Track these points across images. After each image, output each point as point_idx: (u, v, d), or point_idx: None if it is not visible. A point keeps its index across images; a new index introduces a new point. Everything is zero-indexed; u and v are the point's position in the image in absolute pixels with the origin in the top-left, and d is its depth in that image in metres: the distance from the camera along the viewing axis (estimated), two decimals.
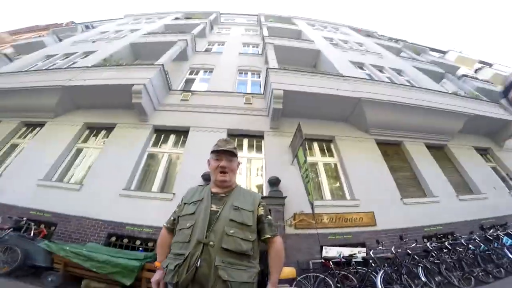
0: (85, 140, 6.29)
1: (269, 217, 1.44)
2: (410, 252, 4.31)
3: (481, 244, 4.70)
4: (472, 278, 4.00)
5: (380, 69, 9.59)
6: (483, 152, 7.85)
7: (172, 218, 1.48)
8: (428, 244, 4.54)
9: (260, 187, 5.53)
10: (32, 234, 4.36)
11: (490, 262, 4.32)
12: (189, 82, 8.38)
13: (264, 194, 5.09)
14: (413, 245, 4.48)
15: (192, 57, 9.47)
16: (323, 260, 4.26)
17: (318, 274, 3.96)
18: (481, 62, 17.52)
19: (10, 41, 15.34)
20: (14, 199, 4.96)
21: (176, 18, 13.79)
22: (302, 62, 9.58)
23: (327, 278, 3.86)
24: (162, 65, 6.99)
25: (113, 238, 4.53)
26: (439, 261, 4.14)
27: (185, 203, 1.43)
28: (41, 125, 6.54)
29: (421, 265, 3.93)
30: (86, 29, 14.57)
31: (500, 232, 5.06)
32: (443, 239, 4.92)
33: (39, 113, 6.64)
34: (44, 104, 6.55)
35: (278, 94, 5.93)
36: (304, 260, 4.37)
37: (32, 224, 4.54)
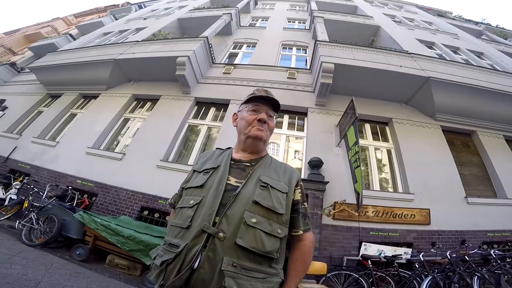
0: (132, 111, 6.61)
1: (306, 204, 1.02)
2: (467, 258, 3.52)
3: None
4: None
5: (455, 50, 8.14)
6: None
7: (178, 192, 1.10)
8: (491, 251, 3.67)
9: (299, 169, 5.10)
10: (75, 204, 4.63)
11: None
12: (232, 56, 8.18)
13: (303, 177, 4.63)
14: (474, 251, 3.67)
15: (236, 32, 9.19)
16: (360, 258, 3.75)
17: (351, 273, 3.49)
18: None
19: (75, 23, 17.05)
20: (65, 167, 5.41)
21: None
22: (356, 40, 8.43)
23: (360, 278, 3.38)
24: (206, 37, 6.86)
25: (145, 212, 4.57)
26: (500, 271, 3.37)
27: (195, 171, 1.03)
28: (96, 96, 7.08)
29: (478, 274, 3.24)
30: (139, 8, 15.26)
31: None
32: (509, 247, 4.18)
33: (94, 86, 7.19)
34: (99, 77, 7.02)
35: (328, 67, 5.30)
36: (338, 255, 3.95)
37: (77, 193, 4.86)
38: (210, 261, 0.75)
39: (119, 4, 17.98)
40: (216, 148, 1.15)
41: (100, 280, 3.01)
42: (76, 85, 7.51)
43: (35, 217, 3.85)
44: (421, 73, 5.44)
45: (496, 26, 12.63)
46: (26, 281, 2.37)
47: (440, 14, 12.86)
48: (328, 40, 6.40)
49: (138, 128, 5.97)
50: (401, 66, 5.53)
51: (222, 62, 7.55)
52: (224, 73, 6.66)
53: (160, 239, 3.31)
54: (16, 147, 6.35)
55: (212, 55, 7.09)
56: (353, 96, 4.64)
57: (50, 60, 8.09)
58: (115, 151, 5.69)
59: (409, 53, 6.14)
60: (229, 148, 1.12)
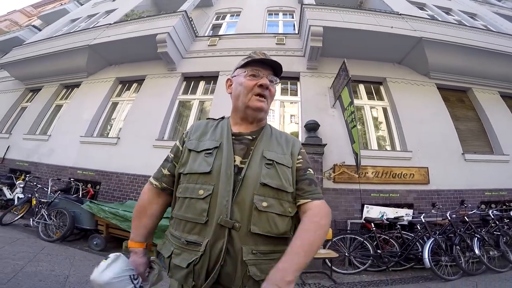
0: (119, 94, 6.36)
1: (310, 170, 0.91)
2: (467, 219, 3.56)
3: None
4: None
5: (447, 11, 7.95)
6: None
7: (165, 172, 0.94)
8: (490, 211, 3.75)
9: (295, 134, 5.08)
10: (80, 195, 4.59)
11: None
12: (216, 27, 7.76)
13: (300, 140, 4.64)
14: (473, 211, 3.73)
15: (217, 2, 8.60)
16: (363, 221, 3.81)
17: (356, 237, 3.56)
18: None
19: (36, 14, 15.69)
20: (63, 159, 5.33)
21: None
22: (344, 3, 8.17)
23: (365, 242, 3.48)
24: (185, 11, 6.45)
25: None
26: (499, 232, 3.47)
27: (190, 150, 0.88)
28: (78, 85, 6.73)
29: (478, 235, 3.34)
30: None
31: None
32: (508, 207, 4.21)
33: (74, 75, 6.81)
34: (76, 65, 6.63)
35: (316, 31, 5.11)
36: (342, 219, 3.98)
37: (80, 184, 4.84)
38: (230, 254, 0.73)
39: None
40: (208, 119, 1.01)
41: None
42: (54, 76, 7.10)
43: (46, 213, 3.87)
44: (413, 33, 5.34)
45: None
46: (55, 277, 2.47)
47: None
48: (314, 3, 6.12)
49: (127, 109, 5.80)
50: (392, 27, 5.38)
51: (206, 34, 7.17)
52: (209, 45, 6.37)
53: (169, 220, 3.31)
54: (9, 146, 6.23)
55: (194, 29, 6.73)
56: (345, 58, 4.55)
57: (18, 55, 7.57)
58: (109, 136, 5.56)
59: (400, 14, 5.95)
60: (223, 118, 1.00)
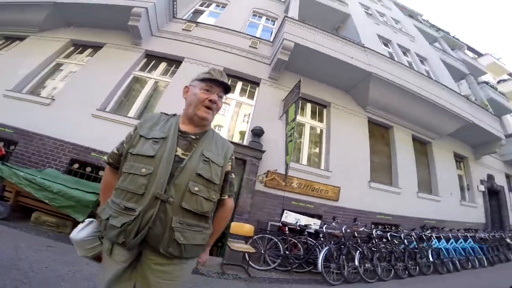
0: (68, 56, 5.89)
1: (233, 174, 1.22)
2: (356, 234, 4.23)
3: (414, 241, 4.79)
4: (392, 271, 4.13)
5: (405, 51, 8.86)
6: (459, 159, 8.26)
7: (117, 152, 1.13)
8: (373, 231, 4.49)
9: (242, 134, 5.35)
10: None
11: (413, 260, 4.49)
12: (197, 13, 7.62)
13: (245, 143, 4.88)
14: (362, 228, 4.47)
15: None
16: (280, 224, 4.25)
17: (272, 237, 3.96)
18: (510, 74, 16.21)
19: None
20: None
21: None
22: (324, 24, 8.40)
23: (279, 243, 3.89)
24: None
25: (76, 165, 4.28)
26: (375, 249, 4.16)
27: (141, 136, 1.07)
28: (23, 38, 6.04)
29: (360, 249, 3.95)
30: None
31: (434, 234, 5.29)
32: (388, 229, 5.09)
33: (21, 28, 6.08)
34: (29, 19, 5.93)
35: (288, 45, 5.38)
36: (264, 220, 4.39)
37: None
38: (161, 220, 0.95)
39: None
40: (161, 113, 1.19)
41: (27, 239, 2.86)
42: None
43: None
44: (367, 67, 5.88)
45: (453, 36, 13.68)
46: None
47: (411, 14, 13.36)
48: (296, 18, 6.31)
49: (73, 72, 5.43)
50: (352, 57, 5.86)
51: (184, 18, 7.02)
52: (183, 29, 6.23)
53: (94, 195, 3.21)
54: None
55: (175, 9, 6.54)
56: (301, 77, 4.92)
57: None
58: (41, 95, 5.09)
59: (364, 47, 6.44)
60: (174, 115, 1.19)
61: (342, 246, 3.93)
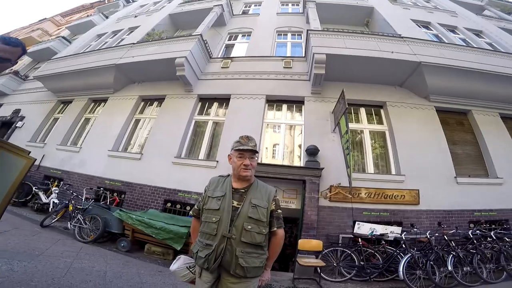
0: (141, 111, 7.07)
1: (279, 210, 1.59)
2: (446, 238, 3.97)
3: None
4: (505, 273, 3.73)
5: (453, 29, 8.10)
6: None
7: (197, 208, 1.64)
8: (470, 232, 4.10)
9: (299, 156, 5.54)
10: (108, 202, 5.27)
11: None
12: (229, 47, 8.33)
13: (301, 165, 5.13)
14: (453, 231, 4.13)
15: (230, 21, 9.21)
16: (352, 236, 4.26)
17: (345, 249, 4.05)
18: None
19: (64, 23, 16.85)
20: (92, 170, 6.03)
21: None
22: (351, 22, 8.48)
23: (353, 254, 3.96)
24: (200, 35, 7.01)
25: (168, 204, 5.24)
26: (475, 251, 3.85)
27: (209, 196, 1.56)
28: (105, 100, 7.48)
29: (453, 253, 3.74)
30: (127, 3, 15.00)
31: None
32: (492, 227, 4.50)
33: (101, 90, 7.59)
34: (104, 82, 7.38)
35: (319, 58, 5.48)
36: (334, 234, 4.40)
37: (108, 193, 5.52)
38: (229, 251, 1.39)
39: (105, 0, 17.57)
40: (219, 176, 1.67)
41: (145, 266, 3.68)
42: (84, 91, 7.90)
43: (82, 218, 4.52)
44: (413, 58, 5.55)
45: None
46: (97, 272, 3.05)
47: None
48: (319, 29, 6.46)
49: (150, 127, 6.47)
50: (392, 52, 5.63)
51: (219, 55, 7.75)
52: (222, 67, 6.92)
53: (186, 228, 3.96)
54: (44, 155, 6.95)
55: (209, 51, 7.28)
56: (344, 86, 4.92)
57: (52, 68, 8.40)
58: (132, 151, 6.24)
59: (402, 37, 6.19)
60: (228, 175, 1.65)
61: (429, 252, 3.83)
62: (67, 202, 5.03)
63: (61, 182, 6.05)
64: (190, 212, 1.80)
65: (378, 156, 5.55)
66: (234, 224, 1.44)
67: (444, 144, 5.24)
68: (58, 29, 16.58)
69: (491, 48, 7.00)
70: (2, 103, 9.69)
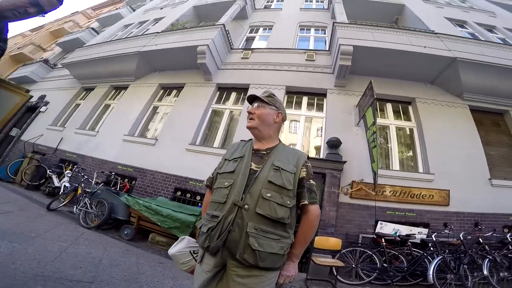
0: (160, 99, 7.09)
1: (312, 181, 1.22)
2: (481, 241, 3.64)
3: None
4: None
5: (490, 28, 7.61)
6: None
7: (211, 176, 1.37)
8: (508, 235, 3.78)
9: (318, 149, 5.32)
10: (118, 188, 5.10)
11: None
12: (249, 40, 8.24)
13: (322, 157, 4.85)
14: (489, 233, 3.78)
15: (252, 15, 9.12)
16: (374, 236, 3.94)
17: (365, 250, 3.74)
18: None
19: (94, 16, 17.62)
20: (106, 154, 6.03)
21: None
22: (379, 19, 8.11)
23: (374, 256, 3.65)
24: (223, 25, 6.98)
25: (179, 193, 5.06)
26: None
27: (226, 159, 1.31)
28: (125, 87, 7.61)
29: (490, 257, 3.38)
30: None
31: None
32: None
33: (123, 78, 7.71)
34: (127, 69, 7.50)
35: (346, 50, 5.27)
36: (354, 233, 4.13)
37: (119, 178, 5.34)
38: (239, 226, 1.05)
39: None
40: (241, 140, 1.42)
41: (145, 256, 3.47)
42: (106, 78, 8.09)
43: (89, 202, 4.33)
44: (447, 53, 5.26)
45: None
46: (92, 258, 2.87)
47: None
48: (347, 22, 6.23)
49: (167, 115, 6.44)
50: (425, 47, 5.34)
51: (240, 47, 7.66)
52: (242, 58, 6.83)
53: (194, 217, 3.73)
54: (62, 138, 7.11)
55: (230, 41, 7.24)
56: (371, 78, 4.66)
57: (80, 56, 8.67)
58: (148, 137, 6.23)
59: (435, 33, 5.86)
60: (250, 139, 1.39)
61: (462, 255, 3.49)
62: (76, 185, 4.89)
63: (75, 166, 6.03)
64: (204, 182, 1.47)
65: (405, 153, 5.24)
66: (249, 190, 1.10)
67: (478, 144, 4.88)
68: (88, 22, 17.34)
69: None
70: (30, 89, 10.08)
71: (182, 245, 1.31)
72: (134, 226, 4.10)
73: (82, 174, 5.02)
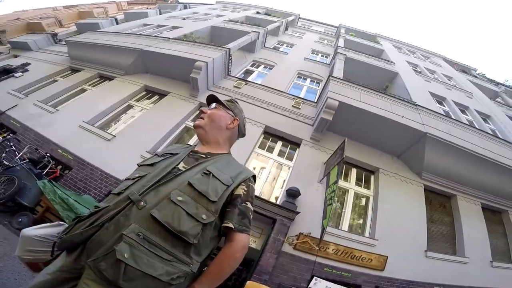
0: (138, 100, 6.86)
1: (249, 205, 0.97)
2: None
3: None
4: None
5: (464, 109, 8.25)
6: None
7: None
8: None
9: (276, 197, 5.15)
10: (45, 173, 4.38)
11: None
12: (247, 73, 8.49)
13: (278, 203, 4.71)
14: None
15: (259, 51, 9.58)
16: None
17: None
18: None
19: (125, 10, 18.36)
20: (54, 134, 5.41)
21: (257, 13, 14.24)
22: (372, 83, 8.60)
23: None
24: (229, 49, 7.20)
25: None
26: None
27: (156, 154, 1.09)
28: (111, 79, 7.41)
29: None
30: (184, 8, 16.26)
31: None
32: None
33: (113, 69, 7.53)
34: (120, 62, 7.38)
35: (332, 104, 5.40)
36: (287, 285, 4.01)
37: (53, 163, 4.65)
38: (118, 224, 0.76)
39: (168, 0, 19.28)
40: (187, 144, 1.22)
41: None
42: (98, 65, 7.88)
43: None
44: (421, 127, 5.47)
45: None
46: None
47: (464, 70, 12.98)
48: (341, 78, 6.52)
49: (137, 116, 6.18)
50: (403, 116, 5.55)
51: (237, 76, 7.82)
52: (234, 86, 6.91)
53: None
54: (16, 105, 6.38)
55: (229, 67, 7.40)
56: (346, 138, 4.69)
57: (87, 38, 8.53)
58: (107, 131, 5.74)
59: (415, 105, 6.17)
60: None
61: None
62: None
63: (11, 135, 5.26)
64: None
65: (356, 216, 5.34)
66: (158, 187, 0.85)
67: (423, 220, 5.13)
68: (117, 12, 17.92)
69: (498, 135, 7.05)
70: (19, 55, 9.70)
71: (50, 231, 1.00)
72: (36, 217, 3.53)
73: (12, 144, 4.40)
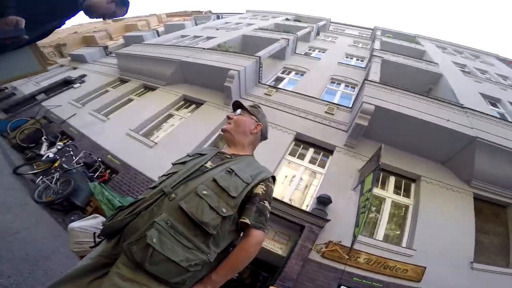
0: (178, 109, 7.40)
1: (266, 204, 1.04)
2: None
3: None
4: None
5: None
6: None
7: None
8: None
9: (307, 203, 5.09)
10: (96, 176, 4.93)
11: None
12: (278, 80, 8.56)
13: (308, 210, 4.66)
14: None
15: (289, 58, 9.58)
16: None
17: None
18: None
19: (164, 22, 19.85)
20: (105, 141, 6.10)
21: (287, 19, 14.31)
22: (413, 86, 8.04)
23: None
24: (259, 57, 7.39)
25: None
26: None
27: (188, 154, 1.23)
28: (154, 89, 8.10)
29: None
30: (217, 18, 17.10)
31: None
32: None
33: (156, 80, 8.22)
34: (162, 73, 8.01)
35: (367, 108, 5.17)
36: None
37: (103, 167, 5.21)
38: (152, 213, 0.88)
39: (203, 12, 20.42)
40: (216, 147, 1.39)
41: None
42: (142, 76, 8.65)
43: (57, 177, 4.14)
44: (469, 131, 4.95)
45: None
46: (7, 228, 2.50)
47: None
48: (377, 81, 6.22)
49: (176, 125, 6.67)
50: (448, 120, 5.08)
51: (268, 83, 7.94)
52: (265, 94, 7.05)
53: None
54: (75, 114, 7.39)
55: (260, 75, 7.57)
56: (382, 144, 4.48)
57: (133, 50, 9.46)
58: (150, 139, 6.28)
59: (463, 107, 5.62)
60: None
61: None
62: (57, 157, 4.70)
63: (70, 141, 6.01)
64: None
65: (393, 225, 5.00)
66: (187, 182, 0.97)
67: (471, 231, 4.58)
68: (158, 25, 19.44)
69: None
70: (77, 67, 11.12)
71: (89, 223, 1.18)
72: (82, 215, 3.85)
73: (70, 149, 4.92)
